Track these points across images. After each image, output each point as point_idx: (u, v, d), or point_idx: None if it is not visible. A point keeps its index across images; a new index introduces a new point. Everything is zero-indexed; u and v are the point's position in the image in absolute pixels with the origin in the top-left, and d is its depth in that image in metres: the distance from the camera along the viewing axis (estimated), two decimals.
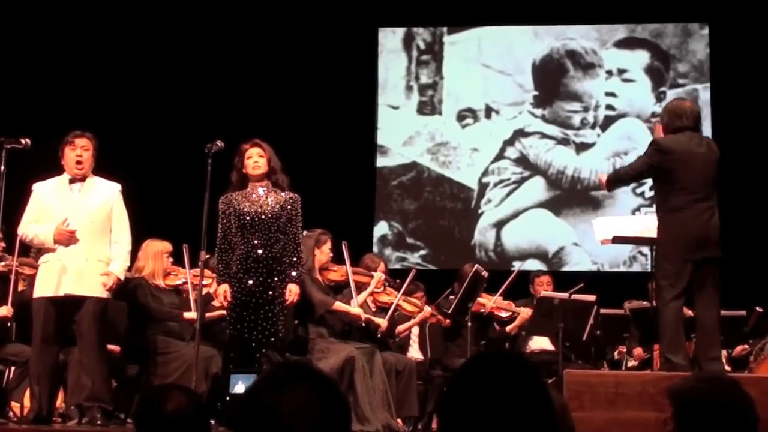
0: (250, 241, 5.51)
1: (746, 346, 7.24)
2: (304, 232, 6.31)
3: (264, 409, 1.63)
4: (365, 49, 10.17)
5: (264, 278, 5.48)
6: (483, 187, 10.05)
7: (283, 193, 5.61)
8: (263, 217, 5.52)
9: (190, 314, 6.15)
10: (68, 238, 5.38)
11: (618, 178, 5.59)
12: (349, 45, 9.97)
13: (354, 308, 6.30)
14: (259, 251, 5.49)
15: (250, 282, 5.47)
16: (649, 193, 9.02)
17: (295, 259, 5.58)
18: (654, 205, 5.56)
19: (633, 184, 8.56)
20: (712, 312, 5.14)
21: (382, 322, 6.56)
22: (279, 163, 5.67)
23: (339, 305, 6.24)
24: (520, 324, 7.27)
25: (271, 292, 5.48)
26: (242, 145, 5.63)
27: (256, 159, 5.59)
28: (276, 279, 5.50)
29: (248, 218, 5.51)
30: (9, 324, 6.17)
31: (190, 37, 9.73)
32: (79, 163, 5.53)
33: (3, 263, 6.18)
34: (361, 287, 6.54)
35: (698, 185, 5.17)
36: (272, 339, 5.45)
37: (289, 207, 5.59)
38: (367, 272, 6.59)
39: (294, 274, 5.56)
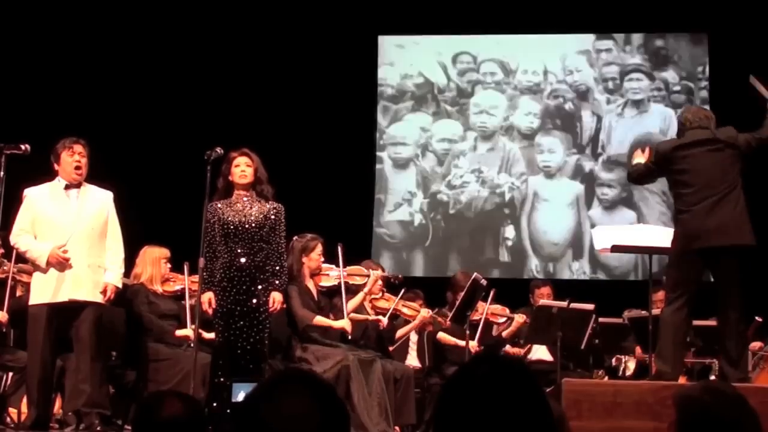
0: (233, 250, 5.55)
1: (761, 344, 7.19)
2: (295, 238, 6.32)
3: (263, 417, 1.62)
4: (366, 56, 10.18)
5: (247, 287, 5.52)
6: (486, 192, 10.04)
7: (267, 203, 5.66)
8: (247, 226, 5.56)
9: (183, 332, 6.16)
10: (62, 264, 5.37)
11: (634, 172, 5.56)
12: (349, 52, 9.97)
13: (337, 322, 6.25)
14: (243, 260, 5.54)
15: (234, 290, 5.51)
16: None
17: (278, 268, 5.64)
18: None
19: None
20: (731, 313, 5.07)
21: (383, 319, 6.58)
22: (265, 173, 5.73)
23: (319, 320, 6.22)
24: (516, 329, 7.27)
25: (255, 300, 5.52)
26: (231, 153, 5.68)
27: (243, 168, 5.64)
28: (259, 287, 5.54)
29: (232, 227, 5.56)
30: (3, 330, 6.15)
31: (190, 44, 9.74)
32: (78, 168, 5.52)
33: (0, 269, 6.17)
34: (357, 290, 6.52)
35: (704, 183, 5.09)
36: (258, 346, 5.49)
37: (272, 217, 5.63)
38: (364, 272, 6.57)
39: (277, 282, 5.62)
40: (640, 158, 5.50)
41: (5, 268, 6.15)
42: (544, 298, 7.47)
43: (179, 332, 6.19)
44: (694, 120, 5.40)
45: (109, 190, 5.71)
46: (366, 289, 6.50)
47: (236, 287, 5.52)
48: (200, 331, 5.68)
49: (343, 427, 1.68)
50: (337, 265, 6.42)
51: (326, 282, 6.41)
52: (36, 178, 5.65)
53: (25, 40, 9.35)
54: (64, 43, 9.43)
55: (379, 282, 6.70)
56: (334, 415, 1.65)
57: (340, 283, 6.37)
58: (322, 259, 6.41)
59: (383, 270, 6.94)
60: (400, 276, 6.92)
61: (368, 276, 6.53)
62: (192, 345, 5.75)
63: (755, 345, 7.24)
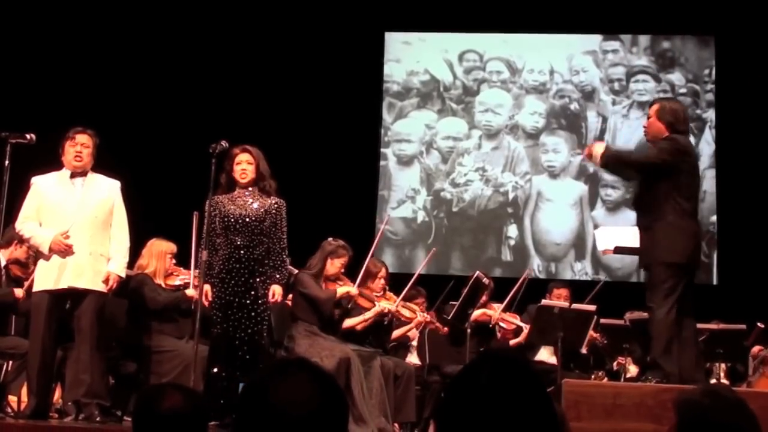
0: (233, 242, 5.59)
1: (762, 348, 7.20)
2: (329, 239, 6.34)
3: (263, 400, 1.64)
4: (372, 53, 10.19)
5: (246, 279, 5.56)
6: (489, 191, 10.04)
7: (269, 198, 5.67)
8: (247, 219, 5.59)
9: (191, 291, 6.13)
10: (64, 251, 5.39)
11: (619, 159, 5.14)
12: (355, 48, 9.98)
13: (351, 288, 6.30)
14: (242, 252, 5.57)
15: (232, 282, 5.55)
16: None
17: (279, 262, 5.67)
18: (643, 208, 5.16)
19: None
20: (693, 326, 5.12)
21: (388, 304, 6.57)
22: (268, 169, 5.73)
23: (341, 291, 6.28)
24: (525, 339, 7.23)
25: (253, 293, 5.56)
26: (233, 150, 5.70)
27: (244, 165, 5.67)
28: (258, 280, 5.57)
29: (232, 220, 5.59)
30: (17, 306, 6.15)
31: (197, 38, 9.75)
32: (78, 158, 5.53)
33: (25, 270, 6.18)
34: (361, 307, 6.53)
35: (696, 193, 5.12)
36: (256, 338, 5.53)
37: (273, 211, 5.66)
38: (371, 297, 6.54)
39: (278, 276, 5.65)
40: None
41: (29, 270, 6.14)
42: (561, 300, 7.42)
43: (189, 292, 6.15)
44: (687, 120, 5.22)
45: (117, 180, 5.72)
46: (368, 315, 6.50)
47: (235, 279, 5.56)
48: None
49: (341, 411, 1.69)
50: (354, 281, 6.43)
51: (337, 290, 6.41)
52: (42, 168, 5.67)
53: (34, 32, 9.36)
54: (72, 35, 9.44)
55: (382, 280, 6.69)
56: (333, 401, 1.67)
57: (351, 297, 6.38)
58: (343, 270, 6.41)
59: (386, 269, 6.90)
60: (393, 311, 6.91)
61: (372, 299, 6.54)
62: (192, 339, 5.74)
63: (756, 349, 7.25)
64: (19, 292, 6.02)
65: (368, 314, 6.55)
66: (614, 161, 5.15)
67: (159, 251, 6.36)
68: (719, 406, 2.29)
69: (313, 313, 6.23)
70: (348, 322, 6.52)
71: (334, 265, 6.32)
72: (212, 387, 5.44)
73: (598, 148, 5.14)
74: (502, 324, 7.26)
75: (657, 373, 4.91)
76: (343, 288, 6.30)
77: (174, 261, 6.45)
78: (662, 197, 5.00)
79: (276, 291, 5.62)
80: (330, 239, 6.36)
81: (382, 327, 6.90)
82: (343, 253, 6.34)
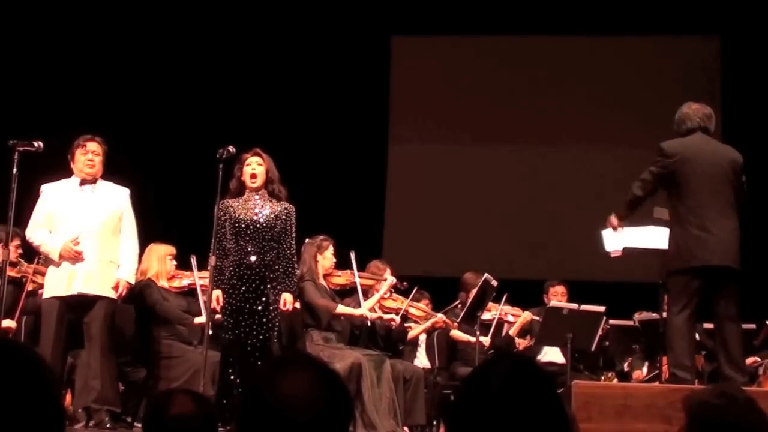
0: (243, 248, 5.58)
1: (757, 359, 7.20)
2: (307, 240, 6.34)
3: (264, 397, 1.64)
4: (379, 57, 10.19)
5: (257, 285, 5.55)
6: (496, 194, 10.03)
7: (279, 203, 5.67)
8: (257, 225, 5.59)
9: (201, 319, 6.16)
10: (74, 257, 5.41)
11: (633, 203, 5.27)
12: (362, 53, 9.98)
13: (357, 310, 6.32)
14: (252, 258, 5.57)
15: (243, 288, 5.53)
16: None
17: (290, 269, 5.65)
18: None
19: None
20: (732, 324, 5.05)
21: (396, 318, 6.59)
22: (277, 174, 5.74)
23: (342, 309, 6.29)
24: (521, 327, 7.25)
25: (264, 299, 5.55)
26: (243, 154, 5.71)
27: (254, 167, 5.68)
28: (268, 286, 5.57)
29: (243, 225, 5.58)
30: (10, 336, 6.16)
31: (204, 43, 9.76)
32: (90, 165, 5.57)
33: (17, 268, 6.20)
34: (367, 291, 6.54)
35: (708, 191, 5.06)
36: (267, 344, 5.53)
37: (284, 217, 5.66)
38: (375, 276, 6.59)
39: (288, 282, 5.64)
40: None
41: (23, 268, 6.17)
42: (558, 297, 7.43)
43: (197, 320, 6.19)
44: (695, 118, 5.23)
45: (125, 188, 5.75)
46: (381, 293, 6.52)
47: (246, 285, 5.54)
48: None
49: (345, 407, 1.68)
50: (348, 268, 6.45)
51: (338, 281, 6.42)
52: (49, 176, 5.69)
53: (40, 39, 9.39)
54: (78, 41, 9.46)
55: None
56: (336, 395, 1.66)
57: (354, 282, 6.38)
58: (334, 259, 6.42)
59: (391, 270, 6.94)
60: (405, 283, 6.94)
61: (378, 280, 6.55)
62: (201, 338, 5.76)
63: (752, 360, 7.24)
64: (6, 323, 6.03)
65: (427, 323, 6.97)
66: (630, 208, 5.34)
67: (159, 254, 6.38)
68: (729, 406, 2.29)
69: (320, 320, 6.23)
70: (412, 333, 7.08)
71: (325, 259, 6.35)
72: (225, 393, 5.44)
73: (614, 218, 5.42)
74: (506, 318, 7.27)
75: (671, 380, 4.90)
76: (346, 308, 6.28)
77: (174, 263, 6.46)
78: (669, 203, 5.21)
79: (287, 299, 5.62)
80: (307, 240, 6.37)
81: (392, 330, 6.92)
82: (326, 245, 6.37)
